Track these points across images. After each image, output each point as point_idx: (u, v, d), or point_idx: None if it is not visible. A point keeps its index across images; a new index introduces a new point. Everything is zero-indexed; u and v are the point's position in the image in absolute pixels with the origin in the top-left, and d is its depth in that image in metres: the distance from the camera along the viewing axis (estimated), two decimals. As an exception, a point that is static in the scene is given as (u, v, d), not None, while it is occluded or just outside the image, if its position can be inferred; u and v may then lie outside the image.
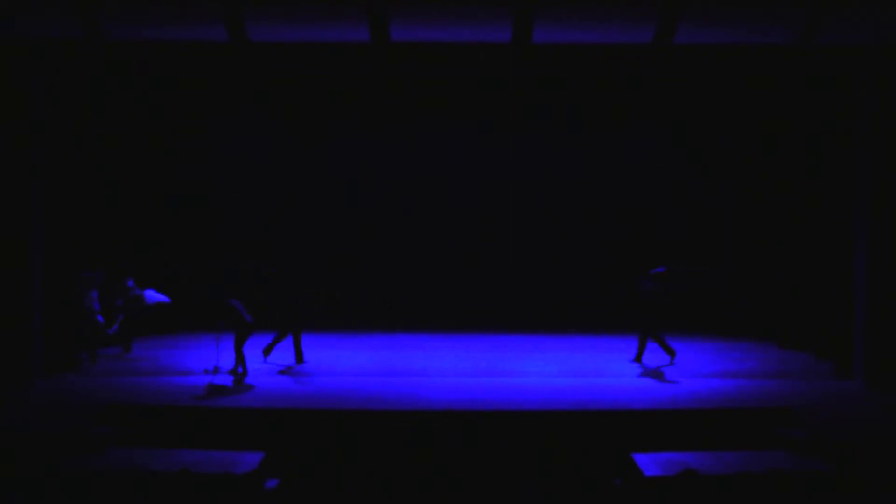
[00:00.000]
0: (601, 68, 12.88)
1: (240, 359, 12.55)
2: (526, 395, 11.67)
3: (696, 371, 13.22)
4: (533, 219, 17.57)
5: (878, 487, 9.44)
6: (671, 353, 13.53)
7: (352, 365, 13.36)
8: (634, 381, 12.57)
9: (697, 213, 17.43)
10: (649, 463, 9.26)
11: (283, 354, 13.91)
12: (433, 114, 17.45)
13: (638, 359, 13.59)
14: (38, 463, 9.39)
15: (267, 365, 13.25)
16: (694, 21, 11.45)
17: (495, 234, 17.57)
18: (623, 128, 17.49)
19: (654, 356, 14.07)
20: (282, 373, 12.99)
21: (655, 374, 13.07)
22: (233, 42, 11.66)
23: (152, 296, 14.08)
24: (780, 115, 15.04)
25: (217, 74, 15.42)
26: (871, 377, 12.37)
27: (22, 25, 11.67)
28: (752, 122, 16.34)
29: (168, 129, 16.76)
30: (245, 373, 12.58)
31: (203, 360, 13.24)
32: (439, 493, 10.33)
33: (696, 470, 8.83)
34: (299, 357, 13.36)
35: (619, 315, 17.24)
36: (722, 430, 10.66)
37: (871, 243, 12.45)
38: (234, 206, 17.34)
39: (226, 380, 12.46)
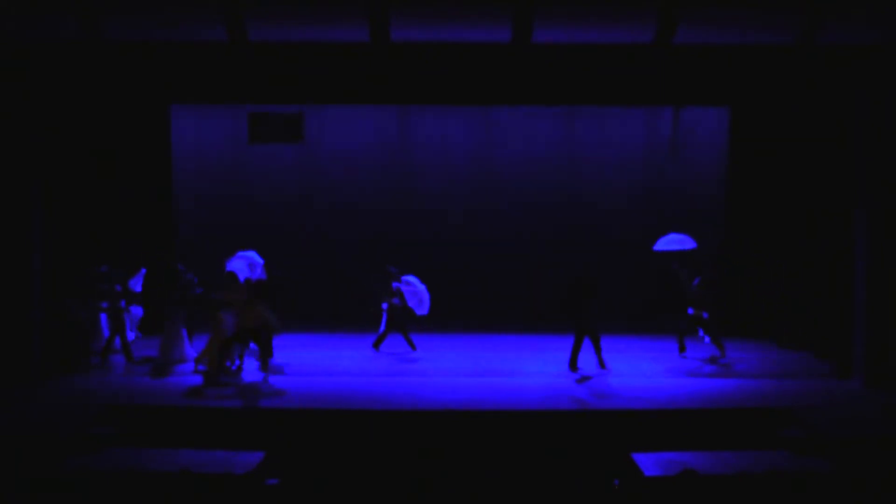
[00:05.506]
0: (601, 68, 12.88)
1: None
2: (526, 395, 11.68)
3: (696, 371, 13.22)
4: (533, 218, 17.54)
5: (878, 487, 9.43)
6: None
7: (352, 365, 13.35)
8: (634, 381, 12.56)
9: (697, 213, 17.40)
10: (649, 463, 9.27)
11: (284, 355, 13.91)
12: (433, 113, 17.42)
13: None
14: (38, 463, 9.39)
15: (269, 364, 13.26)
16: (694, 21, 11.46)
17: (495, 233, 17.54)
18: (623, 127, 17.46)
19: (657, 357, 14.07)
20: (282, 373, 12.99)
21: (655, 374, 13.07)
22: (233, 42, 11.66)
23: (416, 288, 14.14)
24: (779, 115, 15.02)
25: (217, 74, 15.39)
26: (870, 377, 12.36)
27: (22, 25, 11.66)
28: (751, 121, 16.32)
29: (168, 128, 16.72)
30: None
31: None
32: (439, 493, 10.32)
33: (696, 470, 8.82)
34: (601, 362, 13.23)
35: (618, 315, 17.26)
36: (722, 430, 10.66)
37: (871, 243, 12.44)
38: (233, 206, 17.31)
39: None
